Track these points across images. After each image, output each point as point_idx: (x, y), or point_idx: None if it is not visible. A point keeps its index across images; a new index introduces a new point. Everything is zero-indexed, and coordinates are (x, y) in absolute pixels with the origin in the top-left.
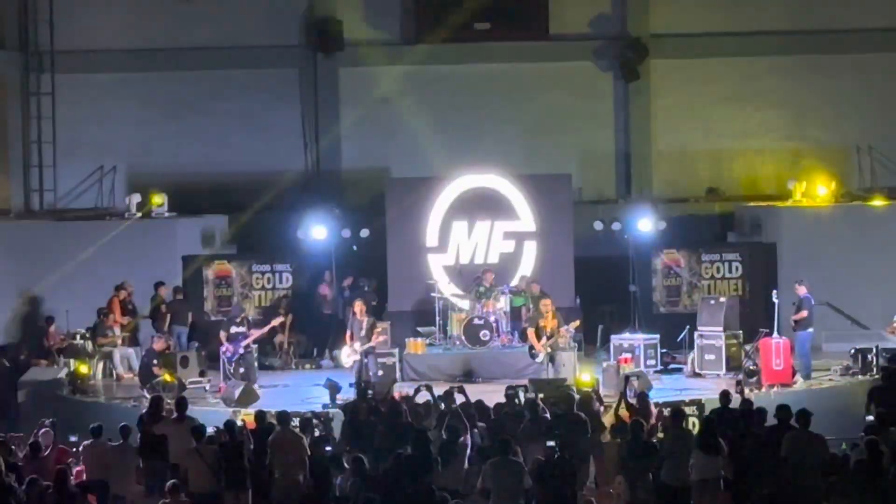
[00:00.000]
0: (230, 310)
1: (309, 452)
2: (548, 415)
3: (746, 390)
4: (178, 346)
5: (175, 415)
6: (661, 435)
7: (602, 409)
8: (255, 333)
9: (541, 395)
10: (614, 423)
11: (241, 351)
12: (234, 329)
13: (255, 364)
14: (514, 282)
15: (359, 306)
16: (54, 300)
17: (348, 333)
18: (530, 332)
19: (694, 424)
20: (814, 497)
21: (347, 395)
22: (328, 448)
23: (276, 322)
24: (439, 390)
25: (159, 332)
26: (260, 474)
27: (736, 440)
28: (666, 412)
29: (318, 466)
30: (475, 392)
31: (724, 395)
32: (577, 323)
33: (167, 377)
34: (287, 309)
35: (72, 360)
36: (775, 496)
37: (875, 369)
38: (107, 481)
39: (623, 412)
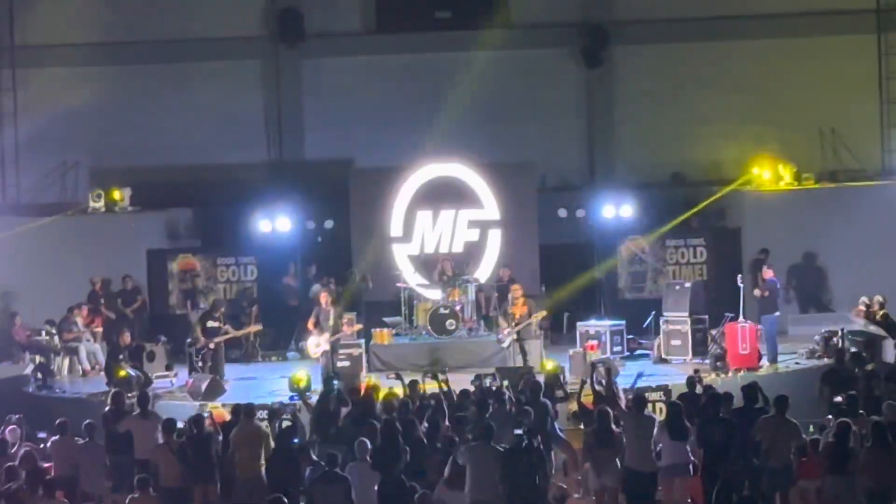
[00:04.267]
0: (214, 302)
1: (272, 445)
2: (514, 402)
3: (713, 375)
4: None
5: (138, 410)
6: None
7: (562, 394)
8: (230, 334)
9: (507, 383)
10: (576, 410)
11: (212, 346)
12: (210, 323)
13: (223, 358)
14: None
15: (325, 296)
16: (18, 296)
17: (312, 321)
18: (500, 318)
19: (661, 410)
20: (784, 480)
21: (316, 386)
22: (296, 440)
23: (251, 329)
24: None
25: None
26: (227, 467)
27: (703, 425)
28: (629, 397)
29: (286, 458)
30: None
31: (691, 381)
32: (545, 313)
33: (120, 372)
34: (250, 302)
35: (37, 357)
36: (742, 477)
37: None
38: (75, 478)
39: (586, 399)
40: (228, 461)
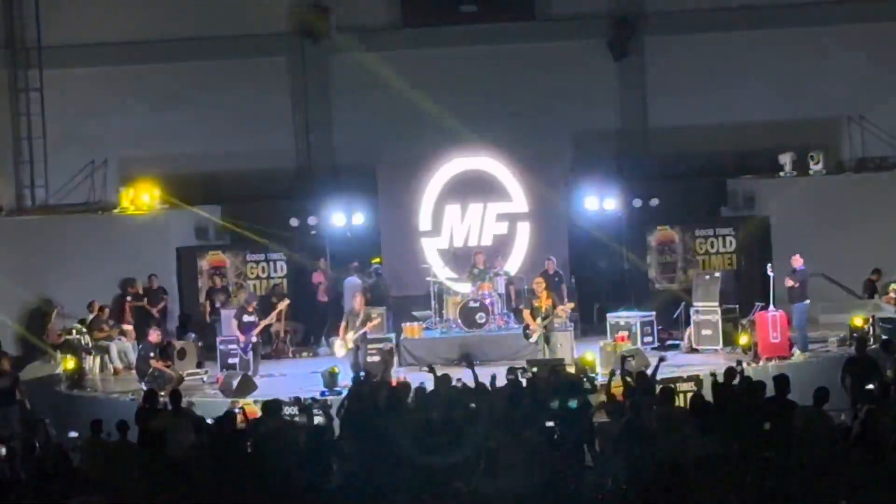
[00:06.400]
0: (244, 298)
1: (303, 439)
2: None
3: (744, 365)
4: None
5: (171, 408)
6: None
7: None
8: (264, 321)
9: (539, 376)
10: (605, 402)
11: (254, 340)
12: (245, 318)
13: (259, 353)
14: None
15: (359, 298)
16: (49, 296)
17: (343, 325)
18: (525, 312)
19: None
20: (817, 471)
21: (346, 380)
22: (326, 435)
23: (282, 306)
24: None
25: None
26: (260, 464)
27: (741, 415)
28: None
29: (316, 454)
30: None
31: (730, 372)
32: (572, 304)
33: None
34: (281, 296)
35: (68, 356)
36: (775, 466)
37: (872, 339)
38: (108, 476)
39: (616, 390)
40: (258, 459)
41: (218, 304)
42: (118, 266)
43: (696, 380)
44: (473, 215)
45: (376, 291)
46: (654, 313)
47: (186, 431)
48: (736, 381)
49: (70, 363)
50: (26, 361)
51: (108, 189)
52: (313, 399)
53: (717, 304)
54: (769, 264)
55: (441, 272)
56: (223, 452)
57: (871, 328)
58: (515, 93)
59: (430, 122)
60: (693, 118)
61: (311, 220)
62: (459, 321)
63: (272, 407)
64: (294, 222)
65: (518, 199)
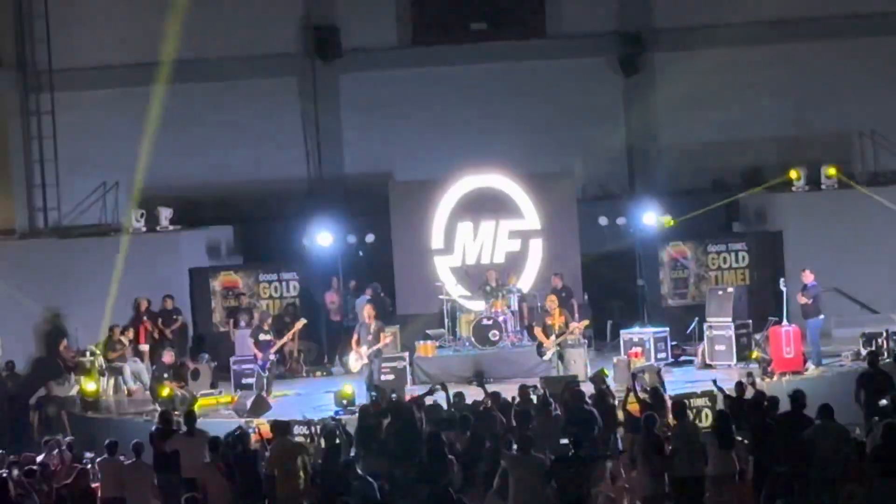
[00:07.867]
0: (259, 316)
1: (310, 460)
2: (560, 412)
3: (758, 380)
4: None
5: (185, 429)
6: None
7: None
8: (281, 341)
9: (552, 393)
10: (623, 418)
11: (272, 358)
12: (262, 337)
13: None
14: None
15: (367, 310)
16: (63, 318)
17: (355, 338)
18: (537, 329)
19: (706, 416)
20: (833, 484)
21: (360, 399)
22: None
23: (299, 325)
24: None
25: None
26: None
27: (755, 431)
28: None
29: (333, 474)
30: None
31: (739, 386)
32: (587, 322)
33: (162, 392)
34: (294, 316)
35: (82, 378)
36: (790, 481)
37: (886, 353)
38: (122, 497)
39: (631, 407)
40: (268, 480)
41: (242, 324)
42: (131, 287)
43: (710, 395)
44: (486, 233)
45: (376, 308)
46: (667, 329)
47: (201, 452)
48: (747, 395)
49: (90, 386)
50: (41, 383)
51: (120, 211)
52: (332, 419)
53: (730, 319)
54: (782, 279)
55: (454, 290)
56: (239, 473)
57: (884, 342)
58: (527, 109)
59: (441, 140)
60: (704, 134)
61: (323, 240)
62: (472, 339)
63: (280, 428)
64: (306, 241)
65: (530, 216)
